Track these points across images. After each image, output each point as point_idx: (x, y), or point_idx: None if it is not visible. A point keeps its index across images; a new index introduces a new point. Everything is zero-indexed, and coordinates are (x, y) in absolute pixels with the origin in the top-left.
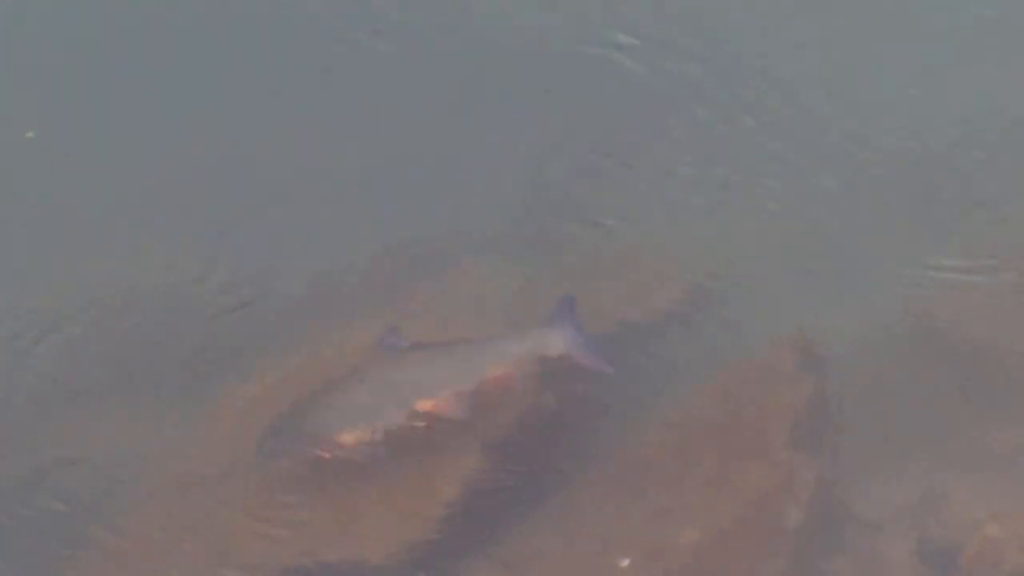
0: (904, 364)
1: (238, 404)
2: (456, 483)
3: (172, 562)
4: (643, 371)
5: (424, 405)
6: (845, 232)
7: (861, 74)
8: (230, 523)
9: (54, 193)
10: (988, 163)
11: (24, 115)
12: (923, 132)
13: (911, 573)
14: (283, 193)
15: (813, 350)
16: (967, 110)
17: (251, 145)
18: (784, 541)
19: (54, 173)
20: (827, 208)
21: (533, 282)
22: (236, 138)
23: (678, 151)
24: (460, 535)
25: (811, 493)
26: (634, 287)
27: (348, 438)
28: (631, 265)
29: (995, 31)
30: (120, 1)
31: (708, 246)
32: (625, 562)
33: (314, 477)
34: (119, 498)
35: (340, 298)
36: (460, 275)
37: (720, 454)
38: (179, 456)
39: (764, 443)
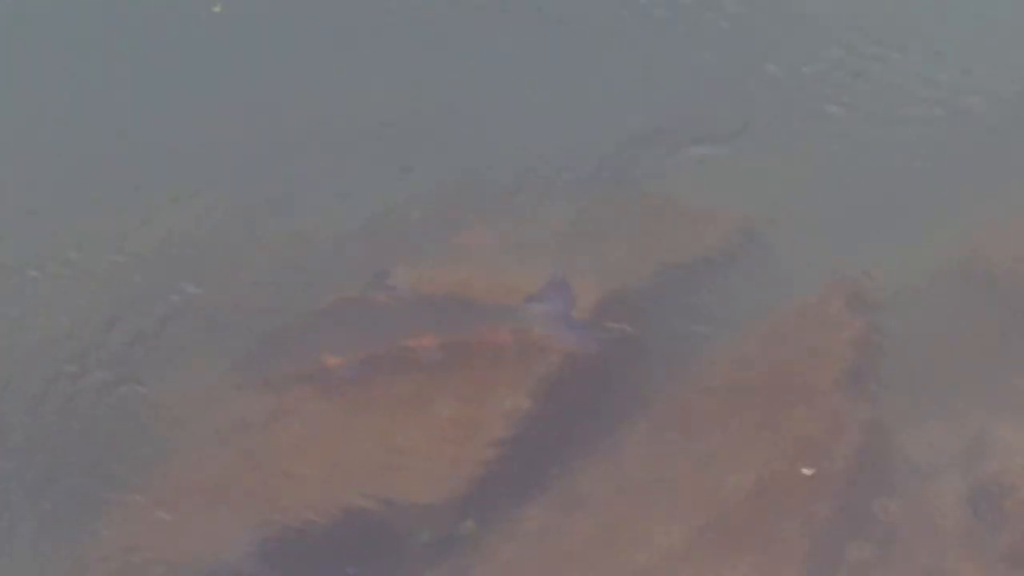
0: (957, 308)
1: None
2: (504, 425)
3: (221, 507)
4: (690, 314)
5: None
6: (902, 177)
7: (927, 25)
8: (276, 467)
9: None
10: None
11: None
12: (986, 82)
13: (960, 517)
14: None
15: (863, 294)
16: None
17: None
18: (832, 484)
19: None
20: (884, 153)
21: (580, 228)
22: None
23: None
24: (509, 477)
25: (860, 437)
26: (682, 229)
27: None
28: (680, 208)
29: None
30: None
31: (759, 190)
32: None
33: (361, 415)
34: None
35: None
36: (508, 218)
37: (768, 397)
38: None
39: (813, 386)
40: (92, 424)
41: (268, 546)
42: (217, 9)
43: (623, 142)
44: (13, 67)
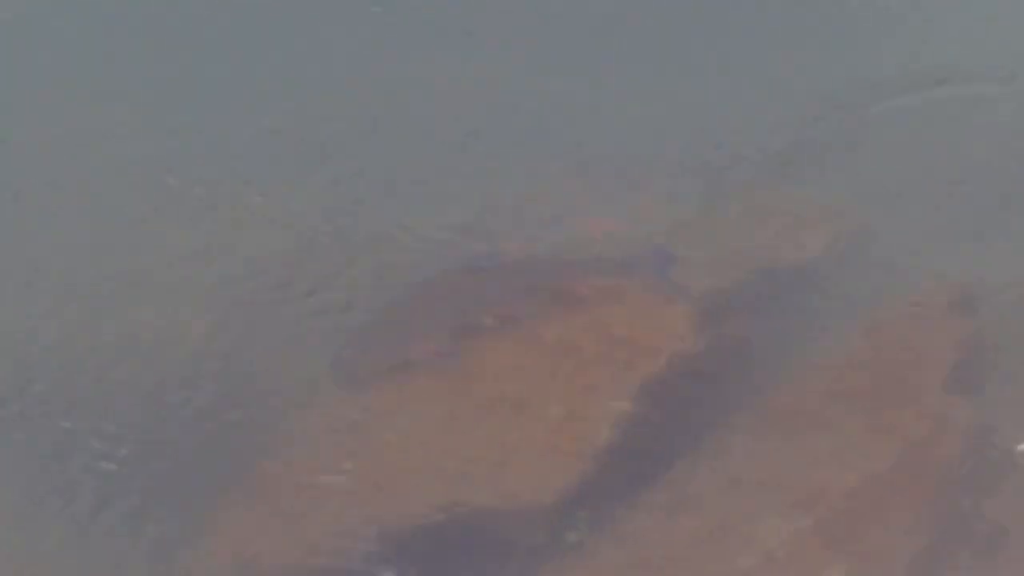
0: None
1: None
2: (609, 425)
3: (327, 509)
4: (795, 313)
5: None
6: (1006, 177)
7: None
8: (383, 461)
9: None
10: None
11: None
12: None
13: None
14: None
15: (969, 293)
16: None
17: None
18: (937, 486)
19: None
20: (988, 151)
21: (688, 221)
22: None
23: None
24: (615, 478)
25: (968, 438)
26: (788, 229)
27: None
28: (786, 208)
29: None
30: None
31: (862, 190)
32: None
33: (464, 416)
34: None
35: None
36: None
37: (874, 398)
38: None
39: (919, 387)
40: (196, 429)
41: (375, 546)
42: None
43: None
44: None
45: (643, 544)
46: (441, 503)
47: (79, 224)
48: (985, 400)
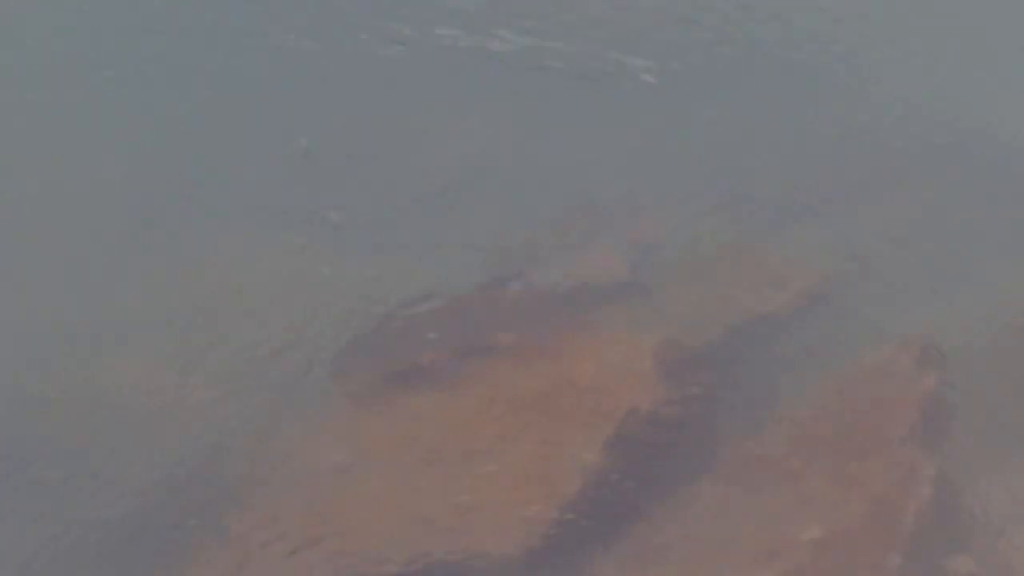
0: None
1: None
2: (577, 479)
3: (304, 554)
4: (761, 368)
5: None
6: (962, 234)
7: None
8: (353, 514)
9: None
10: None
11: None
12: None
13: None
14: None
15: (933, 348)
16: None
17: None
18: (904, 538)
19: None
20: (946, 210)
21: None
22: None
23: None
24: (584, 528)
25: (932, 491)
26: (759, 283)
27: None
28: (755, 263)
29: None
30: None
31: (828, 246)
32: None
33: (433, 464)
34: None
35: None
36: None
37: (840, 451)
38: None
39: (884, 440)
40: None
41: None
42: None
43: None
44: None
45: None
46: (410, 555)
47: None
48: (948, 452)
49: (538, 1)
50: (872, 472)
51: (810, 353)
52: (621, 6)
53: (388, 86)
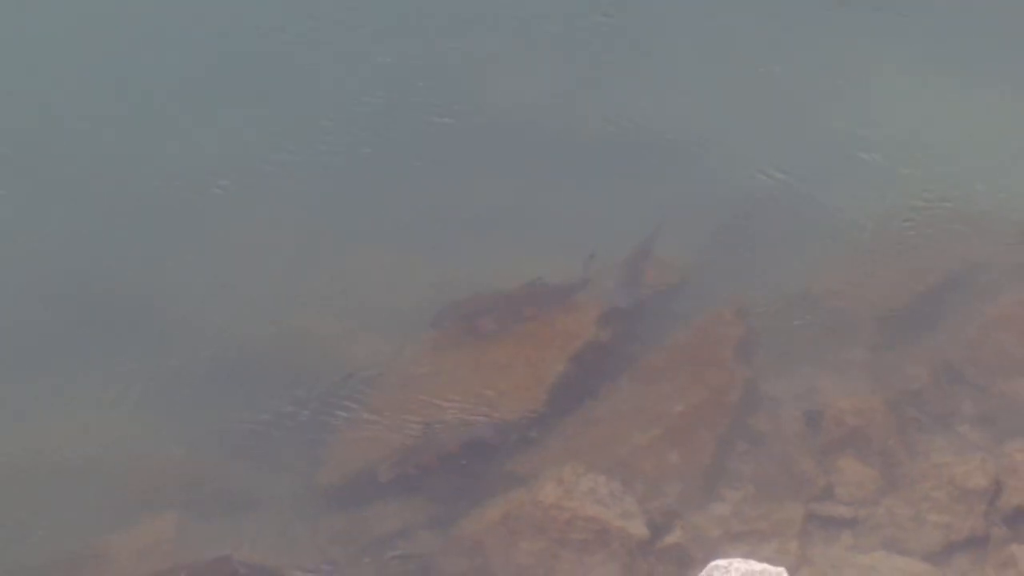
0: (799, 317)
1: None
2: (552, 377)
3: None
4: (655, 320)
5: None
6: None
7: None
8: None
9: None
10: None
11: None
12: None
13: (798, 427)
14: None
15: (744, 306)
16: None
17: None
18: (727, 410)
19: None
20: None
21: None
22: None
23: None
24: (555, 408)
25: (745, 385)
26: (659, 277)
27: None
28: (661, 267)
29: None
30: None
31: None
32: None
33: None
34: None
35: None
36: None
37: (695, 363)
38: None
39: (718, 358)
40: None
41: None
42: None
43: None
44: None
45: (571, 440)
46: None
47: None
48: (754, 365)
49: None
50: (711, 375)
51: (679, 313)
52: None
53: None
